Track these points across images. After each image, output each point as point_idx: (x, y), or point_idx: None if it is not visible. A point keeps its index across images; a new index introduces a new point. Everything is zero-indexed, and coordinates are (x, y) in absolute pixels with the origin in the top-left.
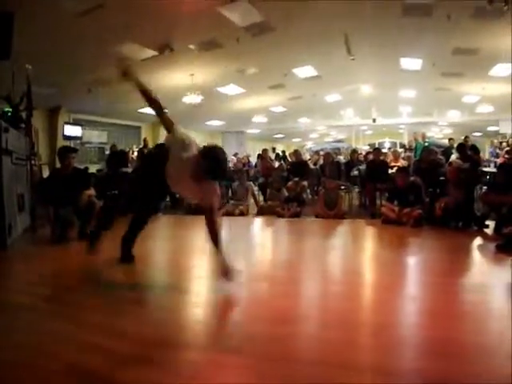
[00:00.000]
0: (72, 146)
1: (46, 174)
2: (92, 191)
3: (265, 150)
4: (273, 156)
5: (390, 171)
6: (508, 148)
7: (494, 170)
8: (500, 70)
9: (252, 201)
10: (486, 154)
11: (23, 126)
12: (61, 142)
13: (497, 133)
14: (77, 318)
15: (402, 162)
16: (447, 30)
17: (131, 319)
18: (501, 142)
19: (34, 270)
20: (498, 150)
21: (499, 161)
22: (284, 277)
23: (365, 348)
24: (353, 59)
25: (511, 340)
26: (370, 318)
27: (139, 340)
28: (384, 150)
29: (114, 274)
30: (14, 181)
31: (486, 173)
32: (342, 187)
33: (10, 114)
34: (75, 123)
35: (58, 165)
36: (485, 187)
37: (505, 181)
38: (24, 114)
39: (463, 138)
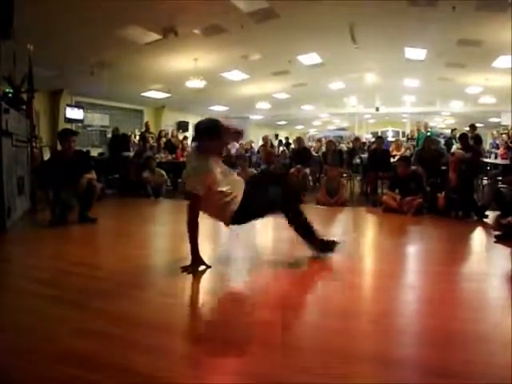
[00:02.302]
0: (74, 128)
1: (46, 156)
2: (93, 174)
3: (265, 137)
4: (276, 142)
5: (391, 160)
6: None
7: (495, 160)
8: (503, 62)
9: None
10: (487, 145)
11: (24, 107)
12: (62, 125)
13: (498, 124)
14: (76, 302)
15: (403, 151)
16: (452, 21)
17: (131, 304)
18: (501, 134)
19: (33, 253)
20: (497, 141)
21: (499, 152)
22: (283, 264)
23: (363, 336)
24: (357, 48)
25: (508, 328)
26: (369, 306)
27: (139, 325)
28: (389, 139)
29: (113, 257)
30: (14, 163)
31: (487, 163)
32: (344, 175)
33: (10, 95)
34: (77, 106)
35: (59, 147)
36: (485, 178)
37: None
38: (25, 96)
39: (469, 126)
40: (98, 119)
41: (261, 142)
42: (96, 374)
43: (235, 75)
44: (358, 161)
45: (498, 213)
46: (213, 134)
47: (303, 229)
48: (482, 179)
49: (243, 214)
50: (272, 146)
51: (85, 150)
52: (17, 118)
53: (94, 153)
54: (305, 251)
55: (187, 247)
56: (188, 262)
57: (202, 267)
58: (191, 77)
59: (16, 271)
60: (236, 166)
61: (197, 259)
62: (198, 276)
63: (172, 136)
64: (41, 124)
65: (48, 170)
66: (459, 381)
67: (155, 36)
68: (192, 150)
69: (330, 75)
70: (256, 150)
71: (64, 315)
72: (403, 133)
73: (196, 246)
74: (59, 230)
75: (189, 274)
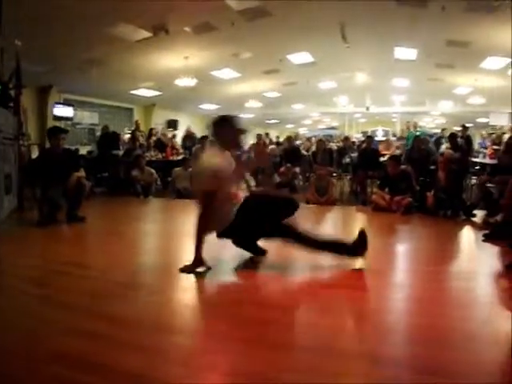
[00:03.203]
0: (62, 126)
1: (34, 154)
2: (82, 173)
3: (259, 136)
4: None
5: (381, 159)
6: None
7: (483, 160)
8: (491, 62)
9: (244, 185)
10: (475, 144)
11: (12, 104)
12: (51, 123)
13: (487, 124)
14: (65, 301)
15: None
16: (441, 22)
17: (120, 303)
18: (490, 134)
19: (21, 253)
20: (486, 141)
21: (487, 152)
22: (274, 262)
23: (353, 334)
24: (348, 47)
25: (496, 326)
26: (359, 304)
27: (129, 324)
28: (377, 139)
29: (102, 256)
30: (1, 161)
31: (476, 163)
32: (334, 174)
33: None
34: (66, 103)
35: (48, 145)
36: (474, 177)
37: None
38: (13, 92)
39: (461, 127)
40: (88, 117)
41: (253, 141)
42: (86, 373)
43: (226, 73)
44: (347, 160)
45: (485, 212)
46: (223, 123)
47: (315, 245)
48: (471, 178)
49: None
50: (265, 144)
51: (73, 148)
52: (4, 115)
53: (83, 151)
54: (294, 252)
55: (176, 246)
56: (178, 260)
57: (202, 268)
58: (182, 75)
59: (4, 270)
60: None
61: (199, 260)
62: (188, 274)
63: (162, 134)
64: (29, 121)
65: (36, 169)
66: (448, 379)
67: (146, 33)
68: (207, 147)
69: (321, 74)
70: (247, 148)
71: (54, 315)
72: (393, 132)
73: (201, 246)
74: (47, 229)
75: (188, 273)
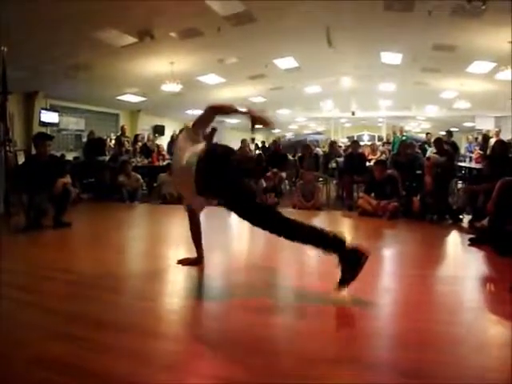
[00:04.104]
0: (48, 132)
1: (21, 160)
2: (67, 179)
3: (244, 141)
4: (252, 146)
5: (367, 164)
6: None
7: (469, 164)
8: (477, 67)
9: None
10: (462, 149)
11: None
12: (37, 128)
13: (473, 128)
14: (50, 306)
15: (378, 155)
16: (427, 26)
17: (106, 308)
18: (476, 138)
19: (7, 258)
20: (473, 145)
21: (474, 156)
22: (260, 267)
23: (339, 339)
24: (333, 51)
25: (481, 330)
26: (344, 309)
27: (113, 329)
28: (362, 143)
29: (88, 262)
30: None
31: (462, 167)
32: (320, 179)
33: None
34: (52, 109)
35: (34, 151)
36: (460, 181)
37: (490, 171)
38: None
39: (446, 132)
40: (73, 123)
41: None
42: (71, 378)
43: (211, 79)
44: (333, 165)
45: (471, 216)
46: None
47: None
48: (457, 183)
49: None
50: (250, 150)
51: (59, 154)
52: None
53: (69, 157)
54: (282, 254)
55: (162, 251)
56: (163, 265)
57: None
58: (167, 80)
59: None
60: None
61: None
62: (174, 279)
63: (148, 140)
64: (15, 127)
65: (22, 174)
66: (434, 383)
67: (131, 39)
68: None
69: (307, 79)
70: None
71: (38, 320)
72: (379, 137)
73: (200, 246)
74: (34, 235)
75: (184, 265)
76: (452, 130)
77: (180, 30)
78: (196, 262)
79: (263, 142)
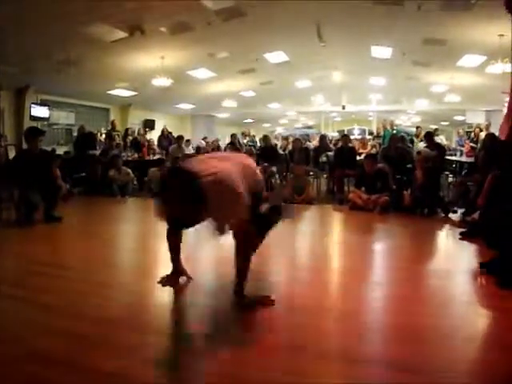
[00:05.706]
0: (39, 127)
1: (11, 155)
2: (57, 173)
3: (233, 135)
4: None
5: (358, 158)
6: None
7: (460, 158)
8: (468, 60)
9: None
10: (452, 142)
11: None
12: (28, 123)
13: (463, 122)
14: (41, 301)
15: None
16: (417, 20)
17: (97, 303)
18: (467, 132)
19: None
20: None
21: (464, 150)
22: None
23: (330, 334)
24: (324, 46)
25: (472, 324)
26: (336, 303)
27: (105, 324)
28: (352, 137)
29: (79, 256)
30: None
31: (452, 161)
32: (311, 173)
33: None
34: (43, 104)
35: (25, 146)
36: (451, 175)
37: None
38: None
39: (434, 129)
40: (64, 117)
41: (228, 140)
42: (63, 373)
43: (202, 73)
44: (324, 159)
45: (463, 210)
46: None
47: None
48: (448, 176)
49: None
50: (240, 144)
51: (50, 148)
52: None
53: (60, 151)
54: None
55: (153, 246)
56: (154, 260)
57: (182, 279)
58: (157, 75)
59: None
60: None
61: (177, 269)
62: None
63: (138, 134)
64: (5, 122)
65: (13, 169)
66: (425, 376)
67: (121, 34)
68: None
69: (297, 73)
70: (223, 148)
71: (30, 315)
72: (369, 131)
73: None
74: (25, 230)
75: (170, 286)
76: (442, 123)
77: (170, 25)
78: (176, 278)
79: (253, 136)
